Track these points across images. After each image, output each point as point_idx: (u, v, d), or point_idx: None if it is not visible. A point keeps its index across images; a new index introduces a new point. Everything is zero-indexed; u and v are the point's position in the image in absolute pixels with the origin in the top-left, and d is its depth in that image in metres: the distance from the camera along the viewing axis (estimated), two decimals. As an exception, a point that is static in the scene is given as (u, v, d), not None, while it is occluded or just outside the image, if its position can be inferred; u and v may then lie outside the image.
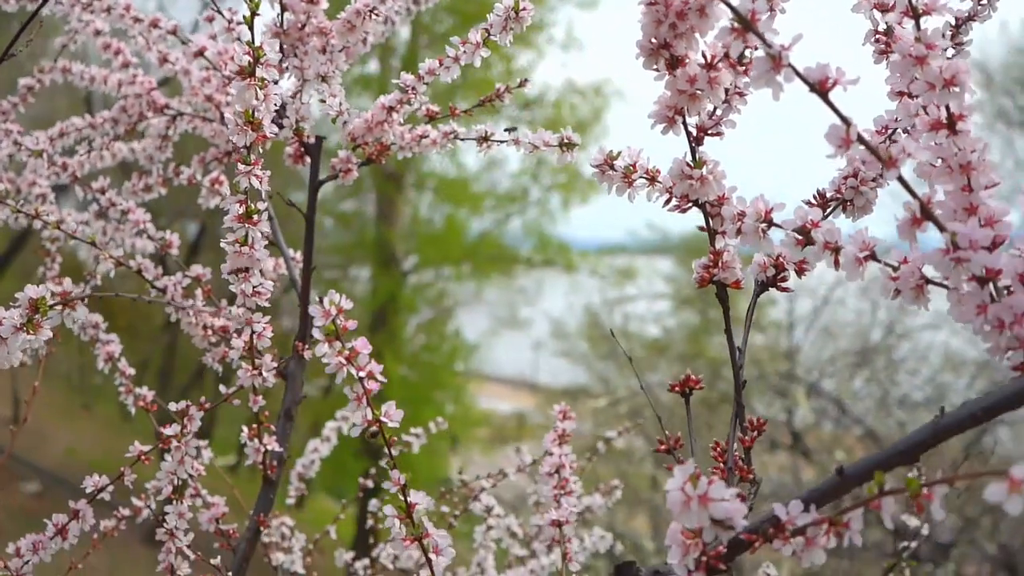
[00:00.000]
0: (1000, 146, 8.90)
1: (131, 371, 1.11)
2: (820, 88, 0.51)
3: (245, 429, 0.98)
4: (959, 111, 0.55)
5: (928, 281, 0.55)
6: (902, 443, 0.51)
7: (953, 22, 0.75)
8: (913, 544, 1.12)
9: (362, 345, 0.64)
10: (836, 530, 0.51)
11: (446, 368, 11.60)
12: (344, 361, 0.63)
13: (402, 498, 0.66)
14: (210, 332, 1.04)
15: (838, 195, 0.69)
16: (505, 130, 0.87)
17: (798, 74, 0.51)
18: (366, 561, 1.30)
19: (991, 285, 0.52)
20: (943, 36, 0.74)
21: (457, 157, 12.84)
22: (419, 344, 12.01)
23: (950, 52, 0.74)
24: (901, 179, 0.52)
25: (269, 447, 0.98)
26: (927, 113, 0.56)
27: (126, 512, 1.12)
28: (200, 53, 1.08)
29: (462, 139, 0.99)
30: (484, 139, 0.97)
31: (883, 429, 6.37)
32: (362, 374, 0.63)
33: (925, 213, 0.53)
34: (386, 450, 0.65)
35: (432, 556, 0.66)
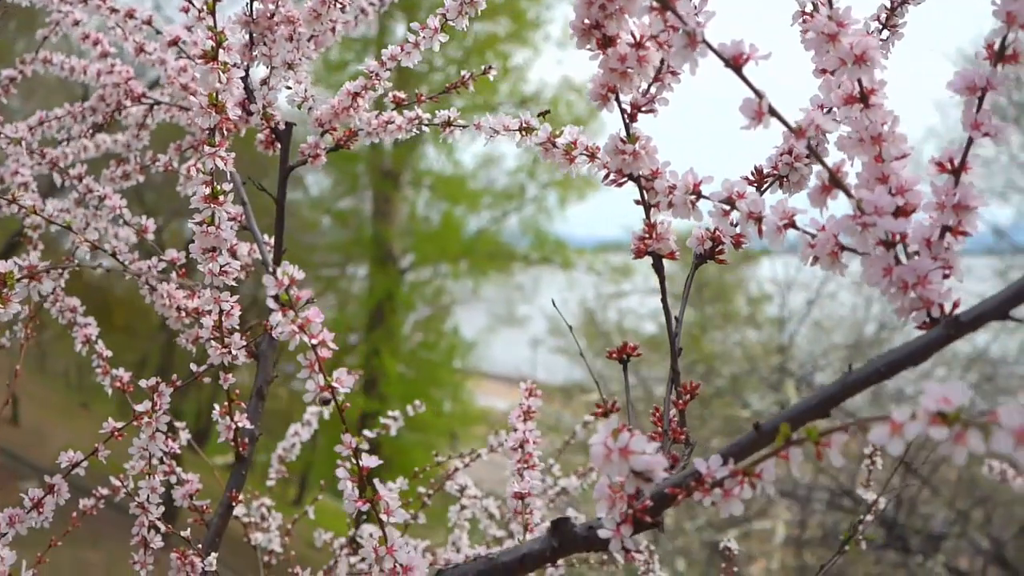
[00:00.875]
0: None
1: (108, 353, 1.14)
2: (734, 63, 0.54)
3: (216, 408, 1.01)
4: (871, 85, 0.58)
5: (843, 247, 0.58)
6: (813, 398, 0.54)
7: (889, 4, 0.78)
8: (868, 517, 1.14)
9: (314, 314, 0.67)
10: (751, 481, 0.54)
11: (444, 365, 11.63)
12: (297, 329, 0.66)
13: (354, 461, 0.69)
14: (183, 314, 1.07)
15: (774, 171, 0.72)
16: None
17: (713, 50, 0.54)
18: (342, 540, 1.33)
19: (897, 249, 0.56)
20: (877, 19, 0.77)
21: (454, 155, 12.86)
22: (417, 342, 12.04)
23: (885, 34, 0.77)
24: (810, 148, 0.55)
25: (240, 424, 1.01)
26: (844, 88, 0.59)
27: (104, 491, 1.15)
28: (174, 43, 1.11)
29: (427, 125, 1.02)
30: (448, 124, 1.00)
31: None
32: (315, 342, 0.66)
33: (834, 181, 0.56)
34: (340, 417, 0.68)
35: (384, 517, 0.69)
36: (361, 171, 12.12)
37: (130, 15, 1.15)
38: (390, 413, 1.44)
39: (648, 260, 0.71)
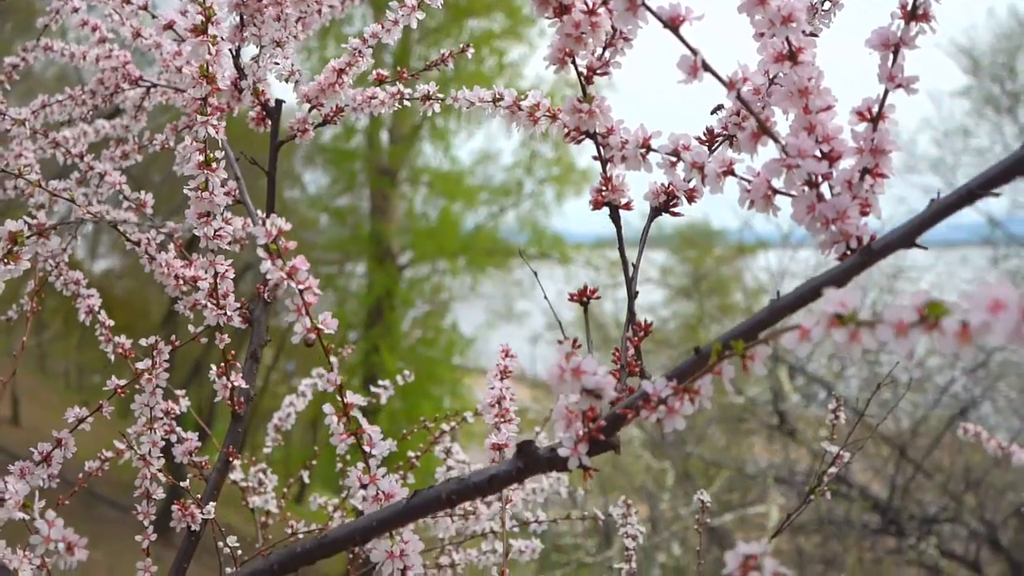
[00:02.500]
0: (989, 131, 8.99)
1: (111, 322, 1.20)
2: (672, 24, 0.61)
3: (214, 368, 1.07)
4: (798, 44, 0.64)
5: (775, 191, 0.64)
6: (745, 323, 0.61)
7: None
8: (833, 469, 1.21)
9: (300, 263, 0.73)
10: (690, 396, 0.60)
11: (443, 362, 11.68)
12: (285, 276, 0.72)
13: (339, 398, 0.75)
14: (181, 282, 1.13)
15: (724, 131, 0.79)
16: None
17: (652, 12, 0.60)
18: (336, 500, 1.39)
19: (823, 190, 0.62)
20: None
21: (451, 151, 12.90)
22: (415, 338, 12.09)
23: (827, 5, 0.83)
24: (740, 99, 0.61)
25: (236, 384, 1.07)
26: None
27: (108, 454, 1.21)
28: (169, 26, 1.16)
29: (408, 99, 1.08)
30: (427, 97, 1.06)
31: (870, 409, 6.48)
32: (302, 287, 0.73)
33: (762, 128, 0.62)
34: (326, 356, 0.75)
35: (367, 448, 0.75)
36: (358, 169, 12.18)
37: (127, 1, 1.21)
38: (380, 382, 1.50)
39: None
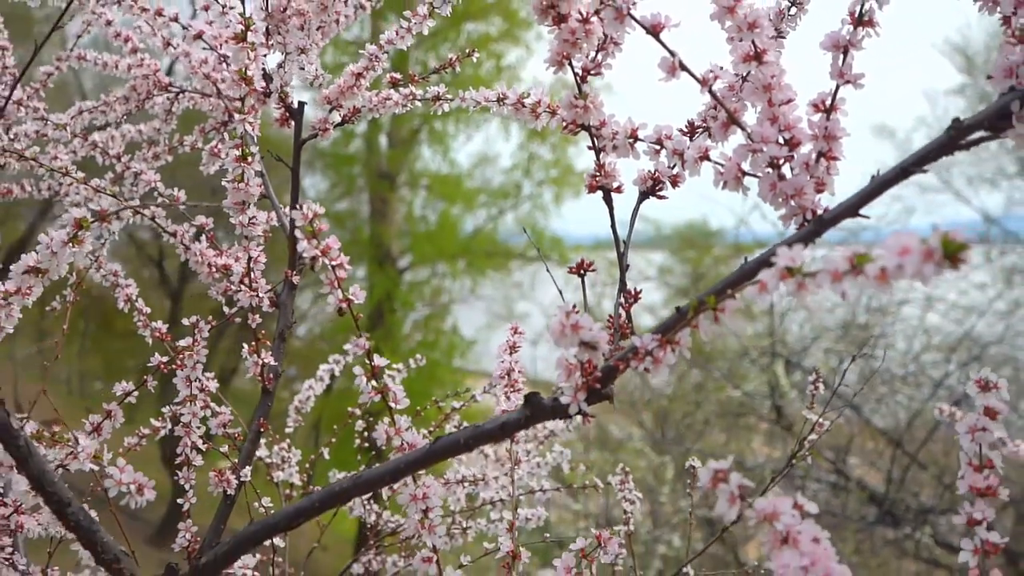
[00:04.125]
0: (982, 129, 9.08)
1: (147, 309, 1.30)
2: (654, 30, 0.71)
3: (245, 347, 1.18)
4: (763, 47, 0.74)
5: (744, 173, 0.75)
6: (717, 284, 0.71)
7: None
8: (812, 437, 1.31)
9: (333, 242, 0.84)
10: (672, 347, 0.71)
11: (444, 364, 11.78)
12: (319, 253, 0.83)
13: (368, 361, 0.86)
14: (213, 269, 1.24)
15: (703, 123, 0.89)
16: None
17: (637, 21, 0.71)
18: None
19: (784, 171, 0.72)
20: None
21: (449, 155, 13.01)
22: (416, 341, 12.18)
23: (793, 10, 0.94)
24: (711, 94, 0.72)
25: (266, 361, 1.18)
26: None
27: (145, 431, 1.32)
28: (199, 36, 1.27)
29: (419, 100, 1.19)
30: (436, 99, 1.17)
31: (866, 403, 6.60)
32: (335, 263, 0.83)
33: (731, 119, 0.73)
34: (354, 323, 0.85)
35: (392, 405, 0.86)
36: (357, 173, 12.29)
37: (159, 13, 1.32)
38: (394, 366, 1.60)
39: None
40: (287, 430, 1.62)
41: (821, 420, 1.31)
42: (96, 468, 0.85)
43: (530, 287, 13.02)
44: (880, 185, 0.67)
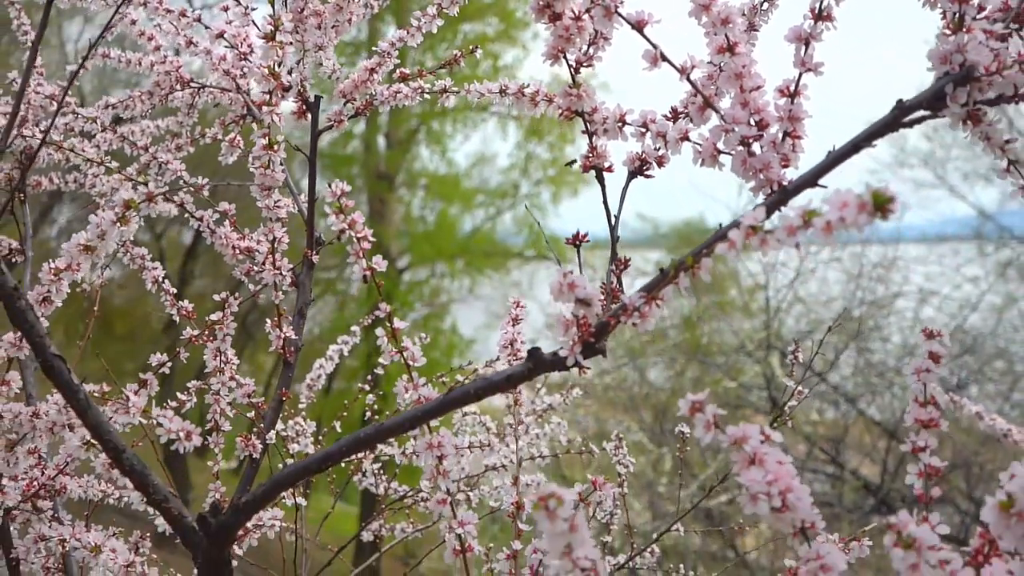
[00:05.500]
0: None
1: (173, 290, 1.40)
2: (638, 26, 0.81)
3: (269, 321, 1.28)
4: (735, 39, 0.84)
5: (719, 151, 0.85)
6: (695, 248, 0.81)
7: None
8: (794, 403, 1.41)
9: (358, 217, 0.94)
10: (656, 303, 0.81)
11: (443, 364, 11.88)
12: (346, 226, 0.93)
13: (388, 324, 0.96)
14: (237, 251, 1.34)
15: (685, 109, 0.99)
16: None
17: (623, 18, 0.81)
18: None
19: (751, 148, 0.83)
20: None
21: (447, 155, 13.09)
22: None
23: (765, 5, 1.04)
24: (690, 81, 0.82)
25: (287, 335, 1.28)
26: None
27: (173, 404, 1.41)
28: (220, 35, 1.37)
29: (427, 93, 1.29)
30: (443, 91, 1.27)
31: (858, 392, 6.71)
32: (360, 235, 0.93)
33: (707, 103, 0.83)
34: (377, 289, 0.95)
35: (410, 363, 0.96)
36: (356, 173, 12.38)
37: (183, 14, 1.42)
38: (417, 336, 1.70)
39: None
40: (300, 406, 1.72)
41: (800, 388, 1.41)
42: (144, 421, 0.95)
43: (528, 286, 13.11)
44: (835, 159, 0.77)
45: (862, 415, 7.04)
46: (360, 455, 1.78)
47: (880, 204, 0.58)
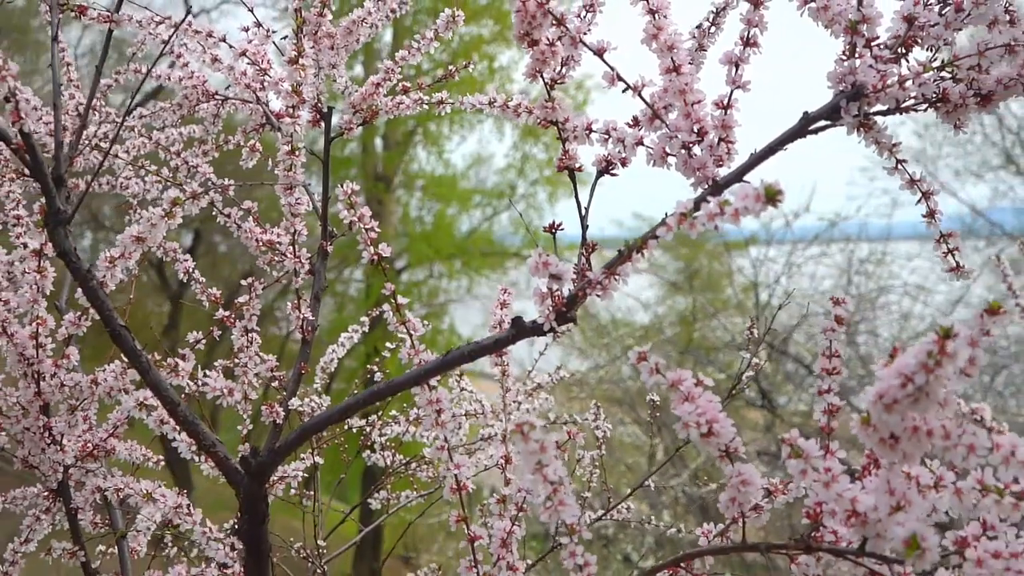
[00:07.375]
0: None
1: (203, 279, 1.59)
2: (599, 52, 1.00)
3: (289, 304, 1.46)
4: (679, 61, 1.03)
5: (667, 153, 1.04)
6: (646, 234, 0.99)
7: (714, 9, 1.23)
8: (750, 373, 1.59)
9: (366, 211, 1.12)
10: (615, 277, 0.99)
11: (442, 363, 12.01)
12: (356, 219, 1.11)
13: (393, 300, 1.14)
14: (260, 244, 1.52)
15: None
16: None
17: (586, 45, 1.00)
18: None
19: (692, 151, 1.01)
20: (707, 19, 1.23)
21: (444, 156, 13.26)
22: (414, 340, 12.43)
23: (712, 29, 1.22)
24: (641, 96, 1.01)
25: (306, 315, 1.46)
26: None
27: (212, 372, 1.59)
28: (243, 53, 1.56)
29: (427, 104, 1.48)
30: (441, 102, 1.46)
31: (848, 385, 6.90)
32: (367, 227, 1.12)
33: (655, 115, 1.01)
34: (383, 273, 1.14)
35: (411, 332, 1.14)
36: (354, 175, 12.55)
37: (209, 34, 1.60)
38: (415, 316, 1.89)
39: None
40: (315, 386, 1.91)
41: (756, 360, 1.59)
42: (192, 384, 1.14)
43: (526, 286, 13.26)
44: (755, 160, 0.96)
45: (851, 406, 7.23)
46: (367, 430, 1.98)
47: (771, 195, 0.76)
